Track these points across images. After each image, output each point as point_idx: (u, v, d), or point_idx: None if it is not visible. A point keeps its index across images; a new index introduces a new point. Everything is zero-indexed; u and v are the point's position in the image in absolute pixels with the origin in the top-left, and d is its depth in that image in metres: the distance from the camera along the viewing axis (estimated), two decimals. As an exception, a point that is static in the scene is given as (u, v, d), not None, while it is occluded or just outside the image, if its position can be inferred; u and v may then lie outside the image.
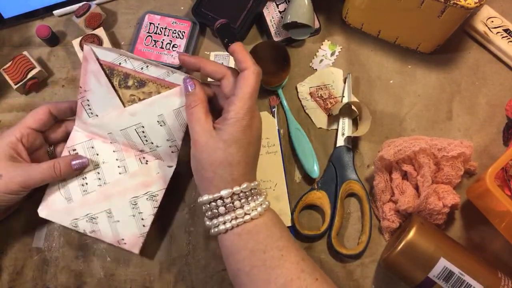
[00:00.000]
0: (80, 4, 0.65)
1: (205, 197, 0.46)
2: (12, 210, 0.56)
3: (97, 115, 0.55)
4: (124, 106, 0.54)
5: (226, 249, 0.47)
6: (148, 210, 0.55)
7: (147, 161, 0.56)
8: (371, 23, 0.63)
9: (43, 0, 0.66)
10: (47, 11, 0.67)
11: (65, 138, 0.57)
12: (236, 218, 0.46)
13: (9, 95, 0.65)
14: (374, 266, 0.57)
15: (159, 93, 0.53)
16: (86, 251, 0.58)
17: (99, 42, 0.63)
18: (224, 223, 0.46)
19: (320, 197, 0.58)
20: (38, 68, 0.63)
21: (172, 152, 0.55)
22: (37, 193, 0.60)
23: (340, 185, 0.58)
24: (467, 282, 0.49)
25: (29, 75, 0.62)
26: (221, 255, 0.57)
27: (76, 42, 0.64)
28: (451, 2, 0.53)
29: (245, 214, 0.46)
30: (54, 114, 0.54)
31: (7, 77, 0.62)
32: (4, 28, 0.67)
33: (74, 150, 0.56)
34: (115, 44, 0.66)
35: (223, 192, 0.46)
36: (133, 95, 0.55)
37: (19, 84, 0.62)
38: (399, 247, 0.51)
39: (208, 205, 0.47)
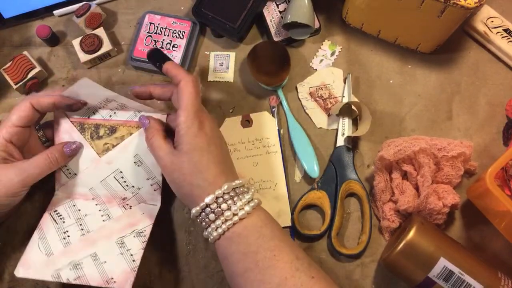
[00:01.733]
0: (80, 4, 0.65)
1: (194, 211, 0.47)
2: (12, 211, 0.56)
3: (75, 174, 0.57)
4: (100, 157, 0.56)
5: (221, 253, 0.47)
6: (137, 246, 0.53)
7: (130, 206, 0.56)
8: (371, 23, 0.63)
9: (43, 0, 0.66)
10: (47, 11, 0.67)
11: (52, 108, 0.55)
12: (226, 220, 0.46)
13: (9, 95, 0.65)
14: (374, 266, 0.57)
15: (131, 134, 0.55)
16: (86, 251, 0.58)
17: (99, 42, 0.63)
18: (216, 229, 0.46)
19: (320, 197, 0.58)
20: (38, 68, 0.63)
21: (155, 190, 0.55)
22: (37, 193, 0.60)
23: (340, 185, 0.58)
24: (467, 282, 0.49)
25: (29, 75, 0.62)
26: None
27: (76, 42, 0.64)
28: (451, 2, 0.53)
29: (233, 214, 0.46)
30: (37, 109, 0.53)
31: (7, 77, 0.62)
32: (4, 28, 0.67)
33: (56, 211, 0.55)
34: (116, 44, 0.66)
35: (207, 199, 0.46)
36: (107, 143, 0.56)
37: (19, 84, 0.62)
38: (399, 247, 0.51)
39: (199, 217, 0.48)
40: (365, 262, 0.57)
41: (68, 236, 0.54)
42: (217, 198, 0.46)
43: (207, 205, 0.46)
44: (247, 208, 0.46)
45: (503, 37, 0.63)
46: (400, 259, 0.51)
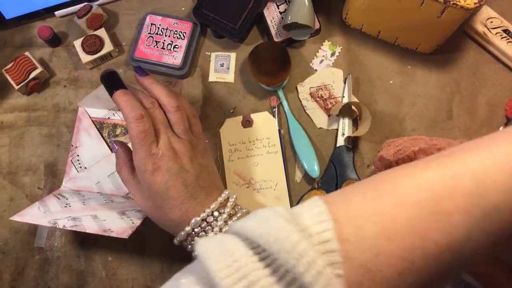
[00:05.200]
0: (82, 5, 0.66)
1: (175, 241, 0.49)
2: None
3: (85, 167, 0.59)
4: (112, 153, 0.59)
5: None
6: (138, 217, 0.53)
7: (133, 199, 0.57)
8: (371, 23, 0.63)
9: (45, 1, 0.67)
10: (49, 12, 0.67)
11: None
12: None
13: (11, 96, 0.65)
14: (374, 266, 0.57)
15: None
16: (88, 250, 0.58)
17: (101, 43, 0.64)
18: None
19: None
20: (40, 69, 0.63)
21: None
22: (43, 191, 0.60)
23: (340, 185, 0.58)
24: (467, 282, 0.49)
25: (31, 76, 0.62)
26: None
27: (77, 43, 0.64)
28: (451, 2, 0.54)
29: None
30: None
31: (9, 78, 0.63)
32: (6, 29, 0.68)
33: (60, 194, 0.56)
34: (117, 45, 0.67)
35: (179, 237, 0.47)
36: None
37: (21, 85, 0.62)
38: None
39: (183, 245, 0.49)
40: (365, 262, 0.57)
41: (70, 206, 0.54)
42: (187, 235, 0.47)
43: (181, 241, 0.48)
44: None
45: (502, 37, 0.63)
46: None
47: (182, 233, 0.47)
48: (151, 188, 0.47)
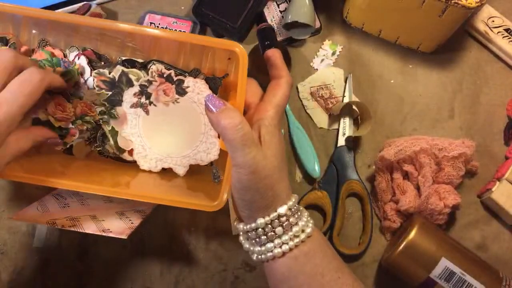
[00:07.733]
0: (81, 4, 0.65)
1: (261, 221, 0.41)
2: None
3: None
4: None
5: (279, 275, 0.41)
6: (137, 217, 0.52)
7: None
8: (372, 22, 0.63)
9: (43, 0, 0.66)
10: (47, 10, 0.67)
11: None
12: (295, 236, 0.41)
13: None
14: (375, 266, 0.57)
15: None
16: (87, 251, 0.58)
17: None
18: (281, 245, 0.41)
19: (321, 197, 0.58)
20: (38, 68, 0.62)
21: None
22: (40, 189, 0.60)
23: (341, 185, 0.58)
24: (468, 282, 0.49)
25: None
26: (223, 255, 0.57)
27: (76, 42, 0.64)
28: (452, 1, 0.53)
29: (302, 231, 0.41)
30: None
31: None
32: (4, 28, 0.67)
33: (58, 194, 0.55)
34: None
35: (281, 210, 0.41)
36: None
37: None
38: (400, 247, 0.51)
39: (262, 230, 0.41)
40: (366, 262, 0.57)
41: (68, 206, 0.54)
42: (289, 209, 0.41)
43: (279, 216, 0.41)
44: (310, 224, 0.41)
45: (504, 37, 0.63)
46: (401, 259, 0.51)
47: (285, 206, 0.41)
48: (279, 148, 0.41)
